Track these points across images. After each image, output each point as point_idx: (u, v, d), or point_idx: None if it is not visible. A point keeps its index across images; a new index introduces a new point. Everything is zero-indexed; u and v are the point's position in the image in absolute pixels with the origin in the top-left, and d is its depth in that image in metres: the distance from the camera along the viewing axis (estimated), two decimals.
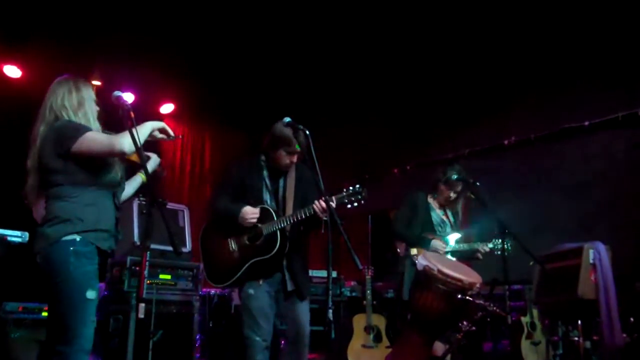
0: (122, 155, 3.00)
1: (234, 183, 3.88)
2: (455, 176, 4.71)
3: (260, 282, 3.74)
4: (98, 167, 3.02)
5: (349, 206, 3.53)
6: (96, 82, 6.76)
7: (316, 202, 3.49)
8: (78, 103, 3.06)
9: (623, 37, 6.13)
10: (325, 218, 3.41)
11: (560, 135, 6.66)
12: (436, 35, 7.08)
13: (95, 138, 2.95)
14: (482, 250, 4.77)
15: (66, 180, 2.95)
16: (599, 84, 6.37)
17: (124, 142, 2.87)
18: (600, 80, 6.36)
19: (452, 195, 4.84)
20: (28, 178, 3.05)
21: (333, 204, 3.47)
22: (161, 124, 3.14)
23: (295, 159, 3.79)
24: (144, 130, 3.05)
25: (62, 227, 2.88)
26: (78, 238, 2.88)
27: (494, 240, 4.71)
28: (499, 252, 4.59)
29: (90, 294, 2.85)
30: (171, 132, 3.17)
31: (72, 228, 2.88)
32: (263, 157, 3.90)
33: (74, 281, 2.83)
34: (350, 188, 3.53)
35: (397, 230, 4.87)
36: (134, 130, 2.81)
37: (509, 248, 4.51)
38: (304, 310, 3.80)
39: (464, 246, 4.78)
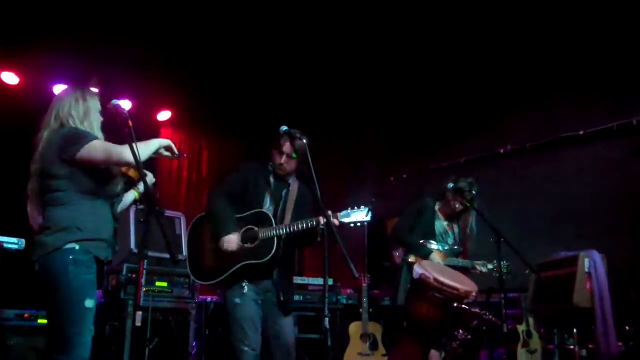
0: (127, 166, 3.05)
1: (239, 183, 3.88)
2: (451, 185, 4.71)
3: (245, 287, 3.69)
4: (101, 176, 3.04)
5: (352, 226, 3.54)
6: (94, 89, 6.76)
7: (321, 218, 3.44)
8: (84, 113, 3.10)
9: (618, 47, 6.16)
10: (322, 227, 3.42)
11: (556, 144, 6.68)
12: (433, 44, 7.11)
13: (103, 147, 2.97)
14: (482, 270, 4.78)
15: (68, 187, 2.95)
16: (594, 94, 6.40)
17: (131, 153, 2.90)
18: (595, 90, 6.39)
19: (458, 207, 4.81)
20: (29, 182, 3.07)
21: (337, 222, 3.50)
22: (168, 142, 3.18)
23: (285, 159, 3.80)
24: (151, 146, 3.10)
25: (62, 235, 2.88)
26: (77, 247, 2.88)
27: (494, 262, 4.72)
28: (497, 275, 4.61)
29: (89, 303, 2.85)
30: (176, 150, 3.23)
31: (72, 236, 2.88)
32: (271, 164, 3.92)
33: (73, 290, 2.83)
34: (356, 208, 3.54)
35: (399, 236, 4.83)
36: (134, 145, 2.81)
37: (510, 273, 4.55)
38: (289, 322, 3.81)
39: (462, 262, 4.77)
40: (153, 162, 3.47)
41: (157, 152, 3.15)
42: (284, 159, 3.80)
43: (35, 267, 2.90)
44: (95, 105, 3.17)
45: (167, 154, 3.21)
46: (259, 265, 3.65)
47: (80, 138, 2.96)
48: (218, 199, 3.84)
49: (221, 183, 4.02)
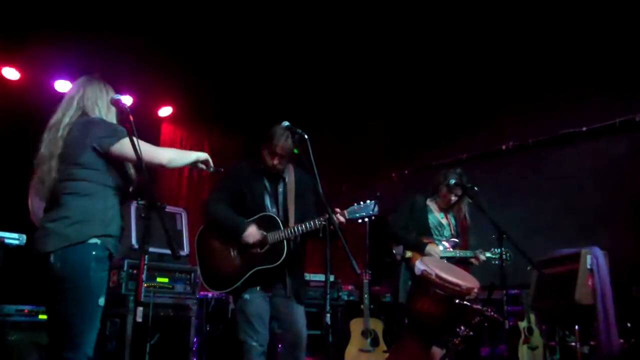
0: (159, 167, 3.07)
1: (233, 188, 3.84)
2: (452, 180, 4.72)
3: (258, 288, 3.73)
4: (122, 173, 2.99)
5: (360, 221, 3.54)
6: None
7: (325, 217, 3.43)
8: (107, 105, 3.04)
9: (620, 42, 6.14)
10: (323, 222, 3.41)
11: (558, 140, 6.66)
12: (434, 40, 7.09)
13: (141, 145, 2.84)
14: (479, 258, 4.78)
15: (94, 177, 2.87)
16: (597, 90, 6.38)
17: (168, 156, 2.99)
18: (598, 86, 6.36)
19: (453, 198, 4.85)
20: (42, 166, 2.90)
21: (343, 219, 3.51)
22: (206, 156, 3.24)
23: (277, 160, 3.76)
24: (188, 158, 3.20)
25: (84, 228, 2.79)
26: (99, 242, 2.81)
27: (492, 250, 4.72)
28: (496, 262, 4.59)
29: (102, 301, 2.81)
30: (212, 165, 3.28)
31: (94, 230, 2.80)
32: (262, 162, 3.88)
33: (91, 287, 2.76)
34: (362, 203, 3.54)
35: (394, 233, 4.87)
36: (135, 140, 2.77)
37: (509, 259, 4.54)
38: (301, 314, 3.81)
39: (460, 253, 4.77)
40: None
41: (193, 164, 3.21)
42: (276, 160, 3.77)
43: (49, 259, 2.73)
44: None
45: (202, 166, 3.25)
46: (272, 269, 3.67)
47: (117, 131, 2.91)
48: (216, 205, 3.81)
49: (214, 189, 3.99)
